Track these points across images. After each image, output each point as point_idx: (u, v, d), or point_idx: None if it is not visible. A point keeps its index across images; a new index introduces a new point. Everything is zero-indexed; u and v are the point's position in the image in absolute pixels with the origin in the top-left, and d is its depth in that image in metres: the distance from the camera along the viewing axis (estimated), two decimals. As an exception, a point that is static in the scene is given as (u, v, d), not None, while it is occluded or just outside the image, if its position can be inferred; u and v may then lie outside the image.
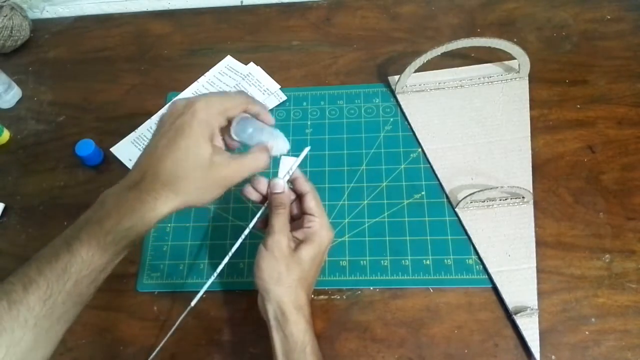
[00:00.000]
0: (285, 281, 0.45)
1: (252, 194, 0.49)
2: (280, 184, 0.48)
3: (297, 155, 0.50)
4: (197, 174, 0.40)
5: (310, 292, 0.48)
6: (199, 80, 0.74)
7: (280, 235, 0.46)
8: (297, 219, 0.50)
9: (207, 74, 0.74)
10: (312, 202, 0.49)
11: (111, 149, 0.69)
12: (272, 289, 0.45)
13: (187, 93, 0.73)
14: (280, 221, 0.47)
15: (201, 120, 0.41)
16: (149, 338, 0.56)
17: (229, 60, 0.75)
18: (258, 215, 0.49)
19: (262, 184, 0.49)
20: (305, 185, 0.49)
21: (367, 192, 0.62)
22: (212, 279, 0.50)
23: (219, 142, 0.45)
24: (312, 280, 0.49)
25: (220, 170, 0.41)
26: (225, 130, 0.45)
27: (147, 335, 0.57)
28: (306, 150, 0.51)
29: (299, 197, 0.50)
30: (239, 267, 0.59)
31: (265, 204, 0.49)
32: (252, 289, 0.58)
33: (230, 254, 0.50)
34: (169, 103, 0.43)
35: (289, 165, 0.50)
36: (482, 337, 0.53)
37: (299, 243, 0.47)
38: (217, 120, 0.42)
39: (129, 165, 0.67)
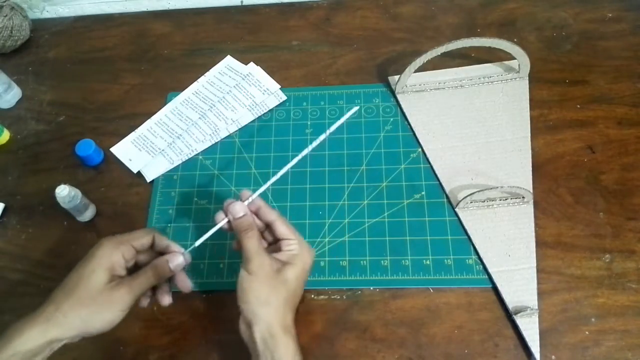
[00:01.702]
0: (272, 302, 0.45)
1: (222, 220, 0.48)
2: (239, 208, 0.47)
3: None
4: (89, 299, 0.43)
5: (294, 312, 0.47)
6: (199, 80, 0.74)
7: (260, 257, 0.45)
8: (273, 244, 0.50)
9: (207, 74, 0.75)
10: (282, 227, 0.48)
11: (111, 149, 0.69)
12: (260, 312, 0.44)
13: (187, 93, 0.73)
14: (253, 244, 0.46)
15: (101, 254, 0.45)
16: (149, 338, 0.56)
17: (228, 60, 0.75)
18: (213, 230, 0.48)
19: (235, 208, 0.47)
20: (270, 214, 0.48)
21: (367, 192, 0.62)
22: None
23: (121, 271, 0.46)
24: (297, 300, 0.48)
25: (109, 294, 0.44)
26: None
27: (147, 335, 0.57)
28: (272, 180, 0.49)
29: (268, 226, 0.49)
30: (238, 267, 0.59)
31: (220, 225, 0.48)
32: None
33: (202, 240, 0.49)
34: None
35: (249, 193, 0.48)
36: (482, 337, 0.53)
37: (282, 265, 0.47)
38: (121, 251, 0.45)
39: (129, 165, 0.67)
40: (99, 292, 0.43)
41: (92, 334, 0.44)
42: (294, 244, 0.47)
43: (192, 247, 0.48)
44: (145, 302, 0.48)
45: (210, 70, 0.75)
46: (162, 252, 0.49)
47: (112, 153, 0.69)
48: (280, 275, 0.46)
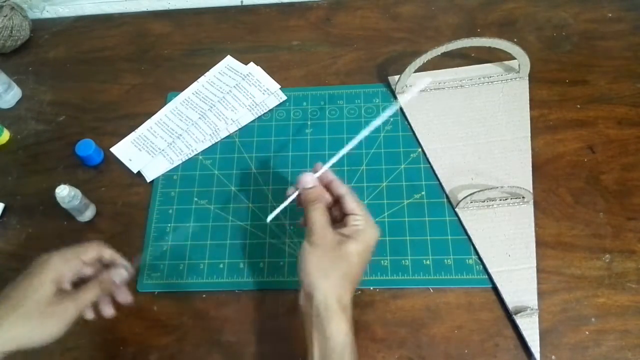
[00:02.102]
0: (332, 275, 0.44)
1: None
2: (310, 179, 0.47)
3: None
4: (35, 312, 0.43)
5: (353, 292, 0.45)
6: (199, 80, 0.74)
7: (324, 230, 0.45)
8: (339, 221, 0.49)
9: (207, 73, 0.75)
10: (352, 203, 0.47)
11: (111, 149, 0.69)
12: (320, 284, 0.44)
13: (187, 93, 0.73)
14: (319, 216, 0.46)
15: (50, 266, 0.45)
16: (149, 338, 0.56)
17: (229, 60, 0.75)
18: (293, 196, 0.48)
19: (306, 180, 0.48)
20: (341, 188, 0.48)
21: (367, 192, 0.62)
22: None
23: (67, 285, 0.46)
24: (358, 279, 0.46)
25: (55, 307, 0.44)
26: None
27: (147, 335, 0.57)
28: (343, 151, 0.49)
29: (337, 200, 0.49)
30: (238, 267, 0.59)
31: (290, 197, 0.48)
32: (251, 288, 0.58)
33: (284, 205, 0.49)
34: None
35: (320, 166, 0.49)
36: (482, 337, 0.53)
37: (345, 239, 0.46)
38: (68, 264, 0.46)
39: (129, 165, 0.67)
40: (45, 306, 0.43)
41: (32, 347, 0.43)
42: (360, 220, 0.47)
43: (267, 218, 0.49)
44: (90, 315, 0.48)
45: (210, 70, 0.75)
46: (107, 265, 0.50)
47: (112, 153, 0.69)
48: (341, 248, 0.45)
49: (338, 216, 0.49)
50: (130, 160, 0.68)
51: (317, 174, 0.48)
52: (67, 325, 0.44)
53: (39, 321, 0.43)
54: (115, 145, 0.69)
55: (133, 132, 0.70)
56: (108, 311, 0.48)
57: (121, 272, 0.48)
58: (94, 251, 0.49)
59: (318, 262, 0.44)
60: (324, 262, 0.44)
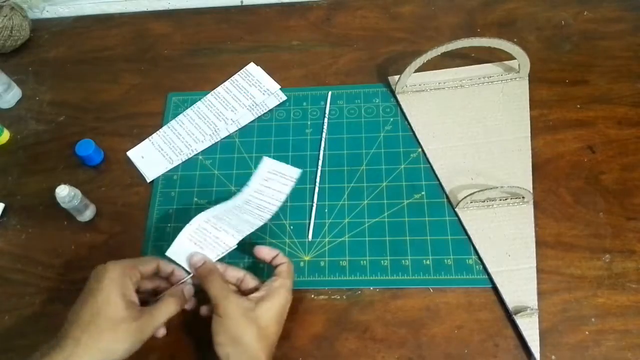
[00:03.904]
0: (244, 340, 0.45)
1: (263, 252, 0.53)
2: (196, 259, 0.51)
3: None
4: (109, 329, 0.42)
5: (271, 353, 0.47)
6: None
7: (226, 300, 0.47)
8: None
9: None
10: (285, 266, 0.51)
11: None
12: (232, 353, 0.45)
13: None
14: (216, 287, 0.48)
15: (112, 279, 0.44)
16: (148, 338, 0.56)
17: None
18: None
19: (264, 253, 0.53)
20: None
21: (367, 192, 0.62)
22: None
23: (134, 297, 0.46)
24: (273, 337, 0.48)
25: (130, 323, 0.43)
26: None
27: (147, 335, 0.57)
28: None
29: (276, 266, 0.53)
30: (238, 267, 0.59)
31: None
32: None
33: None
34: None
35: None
36: (482, 337, 0.53)
37: (255, 302, 0.48)
38: (129, 276, 0.46)
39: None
40: (121, 321, 0.43)
41: None
42: (277, 280, 0.50)
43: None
44: (162, 331, 0.51)
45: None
46: (166, 278, 0.51)
47: (112, 153, 0.69)
48: (250, 314, 0.47)
49: (256, 286, 0.52)
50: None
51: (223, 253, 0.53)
52: (143, 341, 0.44)
53: (114, 338, 0.42)
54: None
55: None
56: (161, 331, 0.51)
57: (189, 287, 0.50)
58: (152, 264, 0.49)
59: (228, 329, 0.46)
60: (234, 328, 0.46)
